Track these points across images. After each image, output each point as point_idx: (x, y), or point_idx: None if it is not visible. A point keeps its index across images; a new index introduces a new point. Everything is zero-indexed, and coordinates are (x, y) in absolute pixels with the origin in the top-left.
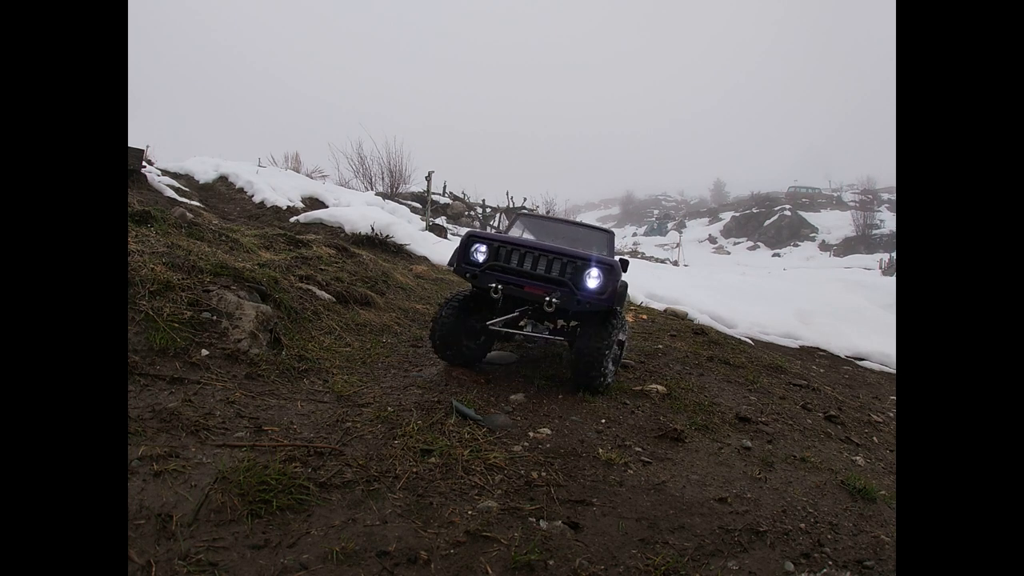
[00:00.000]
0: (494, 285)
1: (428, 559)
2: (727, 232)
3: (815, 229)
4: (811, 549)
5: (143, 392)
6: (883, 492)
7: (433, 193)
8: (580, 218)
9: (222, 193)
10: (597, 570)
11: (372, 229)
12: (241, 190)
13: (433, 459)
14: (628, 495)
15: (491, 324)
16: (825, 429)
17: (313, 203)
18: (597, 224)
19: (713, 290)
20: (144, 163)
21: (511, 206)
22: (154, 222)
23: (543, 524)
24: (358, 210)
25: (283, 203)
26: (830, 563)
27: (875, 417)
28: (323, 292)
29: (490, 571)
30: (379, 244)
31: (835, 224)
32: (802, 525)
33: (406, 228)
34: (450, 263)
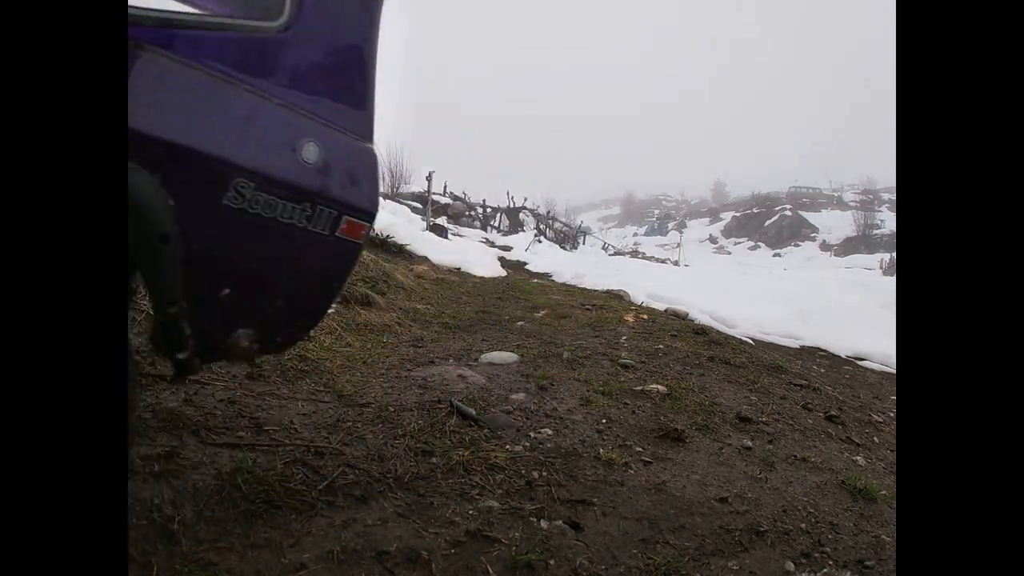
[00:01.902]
0: None
1: (428, 559)
2: (728, 232)
3: (816, 229)
4: (811, 549)
5: (144, 392)
6: (884, 492)
7: (434, 193)
8: (581, 219)
9: None
10: (598, 570)
11: (373, 229)
12: None
13: (434, 459)
14: (629, 495)
15: None
16: (826, 429)
17: None
18: None
19: (714, 290)
20: None
21: (512, 206)
22: None
23: (544, 524)
24: None
25: None
26: (830, 563)
27: (876, 417)
28: None
29: (491, 571)
30: (380, 244)
31: (836, 224)
32: (803, 525)
33: (407, 228)
34: None
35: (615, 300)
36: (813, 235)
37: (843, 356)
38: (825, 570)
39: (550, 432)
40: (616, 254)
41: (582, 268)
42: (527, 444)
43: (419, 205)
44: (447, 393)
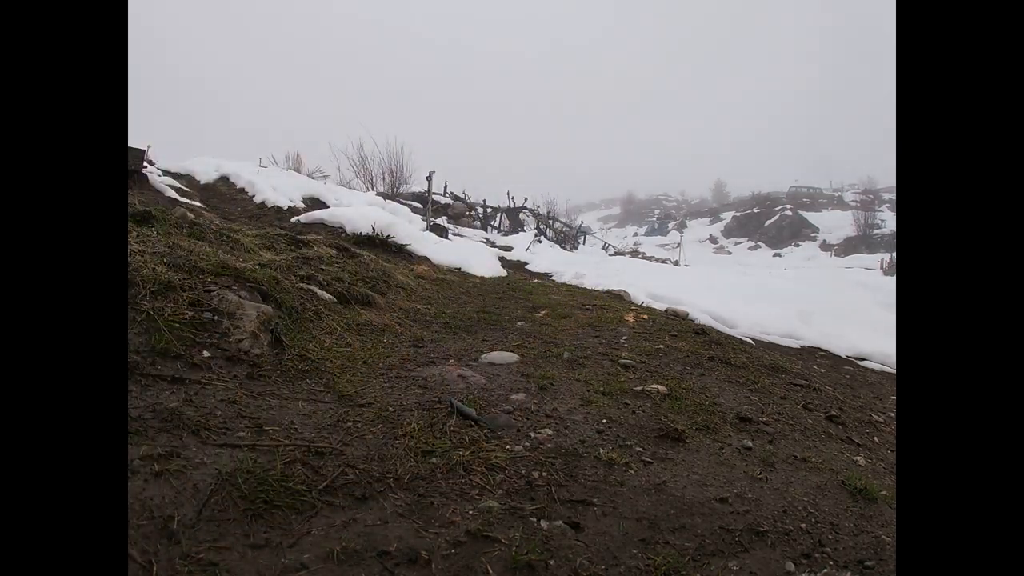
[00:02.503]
0: None
1: (429, 559)
2: (728, 232)
3: (816, 229)
4: (812, 549)
5: (144, 392)
6: (884, 492)
7: (434, 193)
8: (581, 219)
9: (223, 193)
10: (598, 570)
11: (373, 229)
12: (242, 190)
13: (434, 459)
14: (629, 495)
15: None
16: (826, 429)
17: (314, 203)
18: None
19: (714, 290)
20: (145, 163)
21: (512, 206)
22: (155, 222)
23: (544, 524)
24: (359, 210)
25: (284, 203)
26: (831, 563)
27: (876, 417)
28: (324, 292)
29: (491, 571)
30: (380, 244)
31: (836, 224)
32: (803, 525)
33: (407, 228)
34: None
35: (615, 300)
36: (813, 235)
37: (844, 356)
38: (825, 570)
39: (550, 432)
40: (616, 254)
41: (582, 268)
42: (527, 444)
43: (419, 205)
44: (447, 393)
